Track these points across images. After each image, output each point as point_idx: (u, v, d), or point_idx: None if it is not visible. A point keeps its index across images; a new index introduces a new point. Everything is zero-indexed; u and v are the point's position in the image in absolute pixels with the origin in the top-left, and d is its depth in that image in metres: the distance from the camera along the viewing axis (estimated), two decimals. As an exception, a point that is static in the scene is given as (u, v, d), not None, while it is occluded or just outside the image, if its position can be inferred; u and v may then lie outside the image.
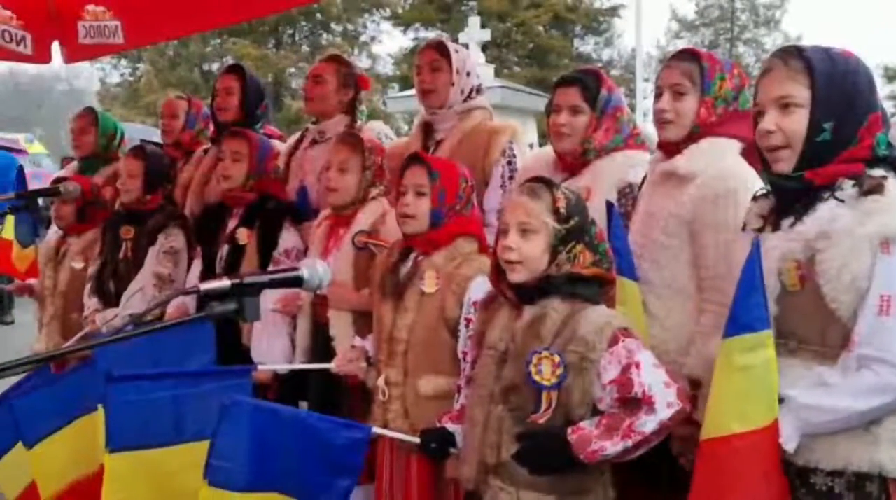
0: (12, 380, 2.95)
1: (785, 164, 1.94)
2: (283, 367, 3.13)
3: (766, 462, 1.84)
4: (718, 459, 1.85)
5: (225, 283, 1.51)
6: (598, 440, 2.04)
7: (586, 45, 35.44)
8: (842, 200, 1.87)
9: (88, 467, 2.79)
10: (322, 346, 3.06)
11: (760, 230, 2.00)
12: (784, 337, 1.91)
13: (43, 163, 15.22)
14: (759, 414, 1.84)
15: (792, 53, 1.94)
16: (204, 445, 2.37)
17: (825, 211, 1.88)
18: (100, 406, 2.72)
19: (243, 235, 3.40)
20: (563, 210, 2.16)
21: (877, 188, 1.84)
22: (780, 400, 1.87)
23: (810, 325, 1.88)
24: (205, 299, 1.55)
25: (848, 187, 1.87)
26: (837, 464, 1.84)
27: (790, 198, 1.96)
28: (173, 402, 2.55)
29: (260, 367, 2.99)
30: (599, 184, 2.71)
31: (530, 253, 2.15)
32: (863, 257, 1.80)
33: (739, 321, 1.85)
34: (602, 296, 2.20)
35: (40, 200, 5.27)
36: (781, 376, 1.87)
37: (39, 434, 2.86)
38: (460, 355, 2.52)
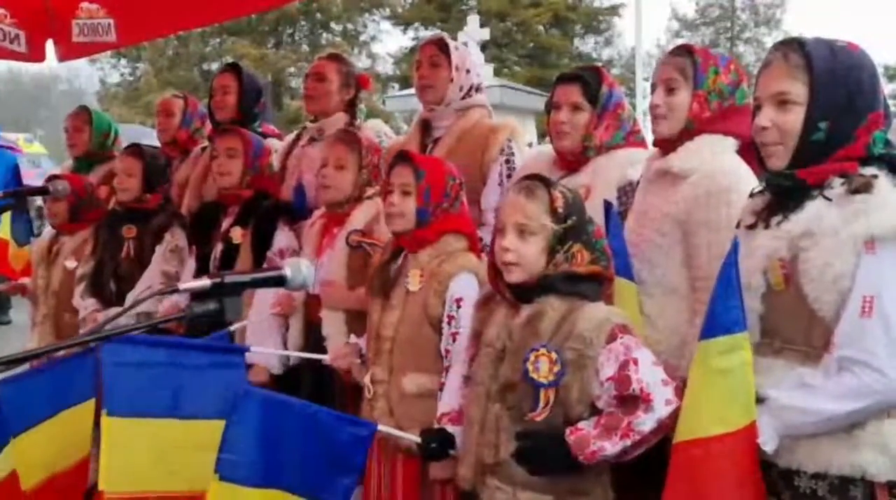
0: (5, 380, 2.91)
1: (777, 160, 1.91)
2: (277, 352, 3.11)
3: (743, 465, 1.82)
4: (694, 461, 1.84)
5: (205, 282, 1.48)
6: (597, 441, 2.02)
7: (586, 45, 35.50)
8: (830, 199, 1.83)
9: (70, 458, 2.73)
10: (315, 345, 3.04)
11: (753, 228, 1.98)
12: (769, 337, 1.89)
13: (43, 163, 15.24)
14: (736, 416, 1.83)
15: (793, 48, 1.90)
16: (202, 425, 2.37)
17: (812, 210, 1.85)
18: (92, 399, 2.68)
19: (237, 235, 3.39)
20: (560, 210, 2.14)
21: (865, 187, 1.80)
22: (761, 400, 1.85)
23: (794, 325, 1.86)
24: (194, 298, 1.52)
25: (837, 186, 1.84)
26: (819, 467, 1.82)
27: (783, 195, 1.93)
28: (169, 373, 2.49)
29: (253, 348, 2.94)
30: (599, 182, 2.68)
31: (528, 254, 2.13)
32: (846, 257, 1.77)
33: (716, 323, 1.84)
34: (601, 294, 2.18)
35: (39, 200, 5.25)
36: (765, 376, 1.86)
37: (25, 424, 2.75)
38: (443, 353, 2.51)
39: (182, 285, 1.51)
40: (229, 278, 1.50)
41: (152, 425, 2.48)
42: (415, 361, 2.56)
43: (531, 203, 2.14)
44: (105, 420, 2.45)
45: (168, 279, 3.69)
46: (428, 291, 2.54)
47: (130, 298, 3.69)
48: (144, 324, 1.65)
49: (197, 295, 1.48)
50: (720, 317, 1.84)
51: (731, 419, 1.82)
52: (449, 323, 2.50)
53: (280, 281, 1.64)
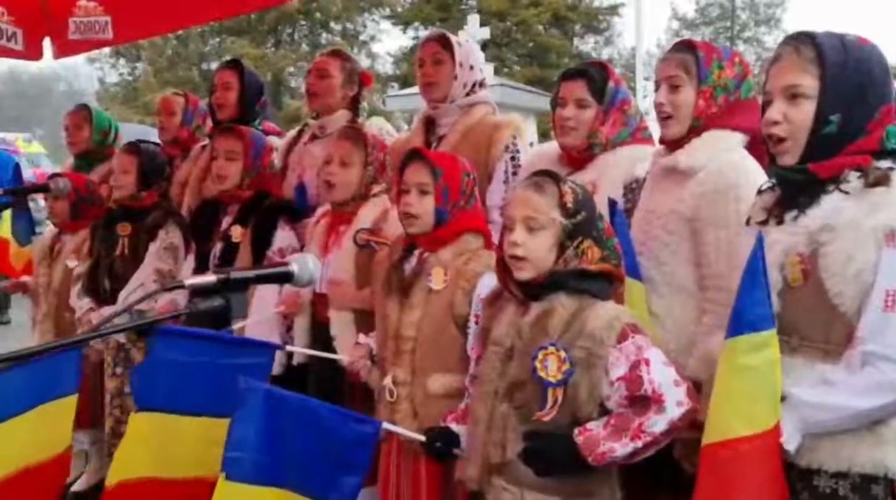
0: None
1: (789, 156, 1.89)
2: (303, 350, 3.05)
3: (771, 465, 1.79)
4: (723, 463, 1.79)
5: (210, 278, 1.45)
6: (607, 441, 1.98)
7: (586, 44, 35.53)
8: (847, 193, 1.81)
9: (45, 452, 2.64)
10: (321, 345, 3.00)
11: (764, 224, 1.95)
12: (786, 334, 1.86)
13: (42, 163, 15.21)
14: (763, 417, 1.79)
15: (804, 41, 1.87)
16: (212, 422, 2.43)
17: (829, 204, 1.83)
18: (74, 395, 2.62)
19: (237, 233, 3.36)
20: (570, 204, 2.10)
21: (883, 180, 1.78)
22: (782, 399, 1.81)
23: (813, 321, 1.83)
24: (195, 295, 1.50)
25: (853, 179, 1.82)
26: (841, 465, 1.78)
27: (795, 190, 1.90)
28: (204, 371, 2.52)
29: (287, 347, 2.95)
30: (605, 179, 2.65)
31: (537, 250, 2.09)
32: (868, 251, 1.74)
33: (743, 320, 1.79)
34: (611, 293, 2.14)
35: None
36: (784, 374, 1.82)
37: (2, 415, 2.75)
38: (470, 353, 2.45)
39: (187, 281, 1.47)
40: (235, 274, 1.48)
41: (169, 420, 2.53)
42: (439, 361, 2.51)
43: (540, 197, 2.10)
44: (133, 417, 2.52)
45: (161, 277, 3.65)
46: (454, 289, 2.49)
47: (123, 296, 3.67)
48: (143, 322, 1.62)
49: (201, 291, 1.45)
50: (746, 314, 1.78)
51: (759, 420, 1.77)
52: (476, 322, 2.42)
53: (287, 277, 1.61)
